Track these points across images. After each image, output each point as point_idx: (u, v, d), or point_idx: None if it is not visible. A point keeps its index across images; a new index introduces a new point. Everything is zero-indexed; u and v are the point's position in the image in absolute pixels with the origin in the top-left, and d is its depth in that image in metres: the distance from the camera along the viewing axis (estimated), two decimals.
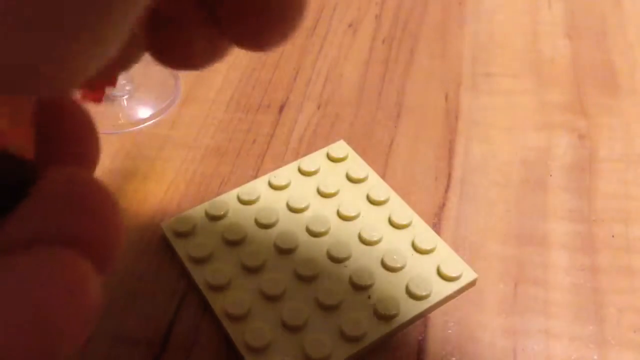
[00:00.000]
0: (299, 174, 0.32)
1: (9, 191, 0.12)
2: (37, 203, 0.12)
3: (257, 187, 0.31)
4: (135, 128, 0.36)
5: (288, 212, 0.30)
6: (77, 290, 0.11)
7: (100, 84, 0.17)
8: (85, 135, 0.14)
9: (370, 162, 0.33)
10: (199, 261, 0.28)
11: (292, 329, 0.26)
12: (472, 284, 0.28)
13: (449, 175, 0.33)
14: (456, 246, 0.29)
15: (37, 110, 0.12)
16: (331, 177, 0.32)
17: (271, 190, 0.31)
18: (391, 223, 0.30)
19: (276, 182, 0.31)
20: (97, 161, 0.14)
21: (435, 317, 0.27)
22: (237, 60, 0.40)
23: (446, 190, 0.32)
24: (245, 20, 0.14)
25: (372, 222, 0.30)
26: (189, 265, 0.28)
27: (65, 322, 0.11)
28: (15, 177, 0.12)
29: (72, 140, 0.14)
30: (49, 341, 0.11)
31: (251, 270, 0.28)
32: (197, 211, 0.30)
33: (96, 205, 0.12)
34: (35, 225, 0.12)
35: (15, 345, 0.10)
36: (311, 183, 0.32)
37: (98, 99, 0.18)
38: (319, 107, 0.37)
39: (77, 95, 0.15)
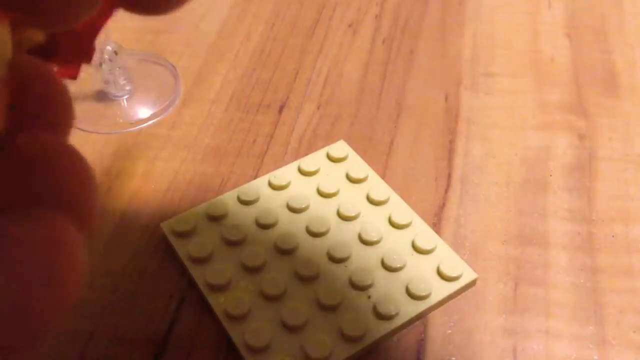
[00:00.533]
0: (299, 174, 0.32)
1: None
2: (8, 168, 0.12)
3: (257, 187, 0.31)
4: (135, 128, 0.36)
5: (288, 212, 0.30)
6: (60, 247, 0.11)
7: (76, 59, 0.17)
8: (58, 100, 0.14)
9: (370, 162, 0.33)
10: (199, 261, 0.28)
11: (292, 329, 0.26)
12: (472, 284, 0.28)
13: (449, 175, 0.33)
14: (456, 246, 0.29)
15: (10, 76, 0.12)
16: (331, 177, 0.32)
17: (271, 190, 0.31)
18: (391, 223, 0.30)
19: (276, 182, 0.31)
20: (70, 126, 0.14)
21: (435, 317, 0.27)
22: (237, 60, 0.40)
23: (446, 190, 0.32)
24: None
25: (372, 222, 0.30)
26: (189, 265, 0.28)
27: (49, 280, 0.11)
28: None
29: (45, 106, 0.13)
30: (33, 303, 0.10)
31: (251, 270, 0.28)
32: (197, 211, 0.30)
33: (68, 168, 0.12)
34: (8, 190, 0.11)
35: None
36: (311, 183, 0.32)
37: (73, 75, 0.18)
38: (319, 107, 0.37)
39: (53, 69, 0.15)
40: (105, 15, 0.18)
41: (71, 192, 0.12)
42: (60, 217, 0.11)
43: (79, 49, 0.17)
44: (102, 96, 0.38)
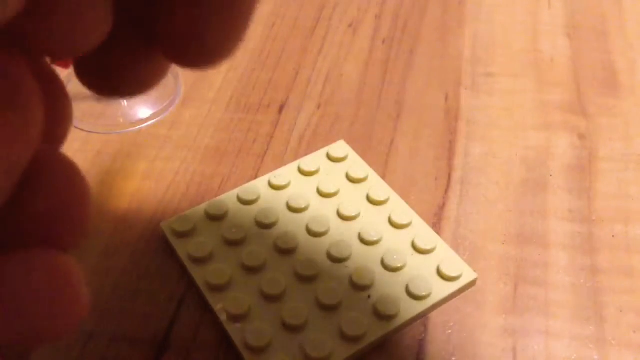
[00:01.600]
0: (299, 174, 0.32)
1: None
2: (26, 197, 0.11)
3: (257, 187, 0.31)
4: (135, 128, 0.36)
5: (288, 212, 0.30)
6: (63, 289, 0.11)
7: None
8: (57, 101, 0.13)
9: (370, 162, 0.33)
10: (199, 261, 0.28)
11: (292, 329, 0.26)
12: (472, 284, 0.28)
13: (449, 175, 0.33)
14: (456, 246, 0.29)
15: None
16: (331, 177, 0.32)
17: (271, 190, 0.31)
18: (391, 223, 0.30)
19: (276, 182, 0.31)
20: (67, 132, 0.13)
21: (435, 317, 0.27)
22: (237, 60, 0.40)
23: (446, 190, 0.32)
24: (183, 39, 0.12)
25: (372, 222, 0.30)
26: (189, 265, 0.28)
27: (49, 315, 0.11)
28: None
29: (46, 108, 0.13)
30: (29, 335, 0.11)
31: (251, 270, 0.28)
32: (197, 211, 0.30)
33: (63, 189, 0.12)
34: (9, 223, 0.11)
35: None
36: (311, 183, 0.32)
37: (67, 65, 0.17)
38: (319, 107, 0.37)
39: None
40: None
41: (66, 218, 0.12)
42: (59, 257, 0.11)
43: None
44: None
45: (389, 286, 0.27)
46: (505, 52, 0.40)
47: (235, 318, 0.26)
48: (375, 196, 0.31)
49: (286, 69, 0.39)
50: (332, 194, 0.31)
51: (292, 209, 0.30)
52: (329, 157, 0.33)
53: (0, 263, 0.11)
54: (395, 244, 0.29)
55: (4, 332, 0.11)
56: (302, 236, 0.29)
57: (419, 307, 0.27)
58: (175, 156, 0.34)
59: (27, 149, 0.11)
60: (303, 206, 0.30)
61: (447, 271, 0.28)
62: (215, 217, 0.30)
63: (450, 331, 0.27)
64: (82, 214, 0.12)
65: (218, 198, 0.31)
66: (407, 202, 0.31)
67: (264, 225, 0.30)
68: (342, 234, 0.29)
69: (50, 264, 0.11)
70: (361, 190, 0.31)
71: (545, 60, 0.40)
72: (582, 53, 0.40)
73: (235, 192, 0.31)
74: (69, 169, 0.12)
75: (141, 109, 0.37)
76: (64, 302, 0.11)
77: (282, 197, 0.31)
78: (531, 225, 0.30)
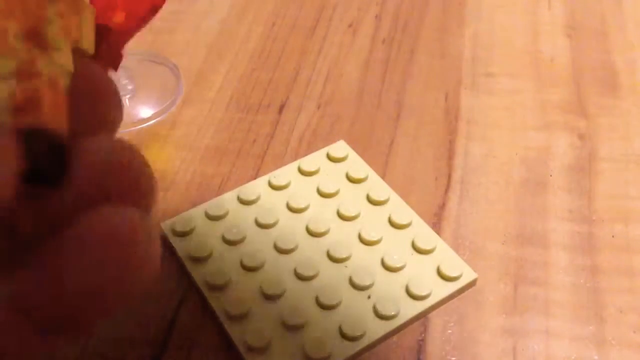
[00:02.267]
0: (299, 174, 0.32)
1: (51, 166, 0.13)
2: (83, 173, 0.13)
3: (257, 187, 0.31)
4: (135, 128, 0.36)
5: (288, 212, 0.30)
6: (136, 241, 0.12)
7: (107, 65, 0.18)
8: (110, 99, 0.14)
9: (370, 162, 0.33)
10: (199, 261, 0.28)
11: (292, 329, 0.26)
12: (472, 284, 0.28)
13: (449, 175, 0.33)
14: (456, 246, 0.29)
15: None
16: (331, 177, 0.32)
17: (271, 190, 0.31)
18: (391, 223, 0.30)
19: (276, 182, 0.31)
20: (120, 123, 0.15)
21: (435, 317, 0.27)
22: (237, 60, 0.40)
23: (446, 190, 0.32)
24: None
25: (372, 222, 0.30)
26: (188, 265, 0.28)
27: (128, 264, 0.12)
28: (54, 156, 0.13)
29: (99, 105, 0.14)
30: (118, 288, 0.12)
31: (251, 270, 0.28)
32: (197, 211, 0.30)
33: (132, 166, 0.14)
34: (84, 194, 0.13)
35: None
36: (311, 183, 0.32)
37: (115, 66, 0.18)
38: (319, 107, 0.37)
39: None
40: (137, 25, 0.18)
41: (137, 185, 0.13)
42: (136, 212, 0.13)
43: (109, 56, 0.18)
44: None
45: (389, 286, 0.27)
46: (505, 52, 0.40)
47: (235, 318, 0.26)
48: (375, 196, 0.31)
49: (286, 69, 0.39)
50: (332, 194, 0.31)
51: (292, 209, 0.30)
52: (329, 157, 0.33)
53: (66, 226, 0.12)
54: (395, 244, 0.29)
55: (64, 299, 0.12)
56: (302, 236, 0.29)
57: (419, 307, 0.27)
58: (175, 156, 0.34)
59: None
60: (303, 206, 0.30)
61: (447, 271, 0.28)
62: (215, 217, 0.30)
63: (450, 331, 0.27)
64: (151, 186, 0.14)
65: (218, 198, 0.31)
66: (407, 202, 0.31)
67: (264, 225, 0.30)
68: (342, 234, 0.29)
69: (115, 218, 0.12)
70: (361, 190, 0.31)
71: (545, 60, 0.40)
72: (582, 53, 0.40)
73: (235, 192, 0.31)
74: (132, 150, 0.14)
75: (142, 109, 0.37)
76: (127, 258, 0.12)
77: (282, 197, 0.31)
78: (531, 225, 0.30)
